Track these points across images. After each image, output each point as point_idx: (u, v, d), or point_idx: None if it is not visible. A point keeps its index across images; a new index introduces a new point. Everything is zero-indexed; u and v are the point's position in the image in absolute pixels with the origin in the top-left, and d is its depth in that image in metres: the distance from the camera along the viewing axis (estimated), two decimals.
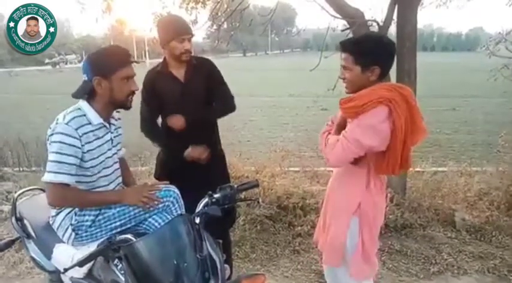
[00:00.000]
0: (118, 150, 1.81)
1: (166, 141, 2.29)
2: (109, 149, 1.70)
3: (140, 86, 1.71)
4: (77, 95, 1.64)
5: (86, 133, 1.58)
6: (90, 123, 1.60)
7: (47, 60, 40.88)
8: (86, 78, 1.60)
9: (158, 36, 2.23)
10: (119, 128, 1.82)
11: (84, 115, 1.60)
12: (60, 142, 1.52)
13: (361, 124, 1.64)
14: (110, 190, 1.73)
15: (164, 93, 2.23)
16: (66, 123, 1.55)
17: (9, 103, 15.05)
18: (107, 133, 1.69)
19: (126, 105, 1.69)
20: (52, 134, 1.55)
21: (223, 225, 2.41)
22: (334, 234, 1.87)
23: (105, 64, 1.59)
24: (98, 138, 1.63)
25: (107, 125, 1.69)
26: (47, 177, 1.53)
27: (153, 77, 2.27)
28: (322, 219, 2.04)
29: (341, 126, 1.81)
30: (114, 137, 1.75)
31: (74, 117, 1.57)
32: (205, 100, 2.28)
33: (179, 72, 2.23)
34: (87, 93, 1.63)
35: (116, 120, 1.78)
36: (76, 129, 1.55)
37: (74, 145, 1.54)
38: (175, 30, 2.14)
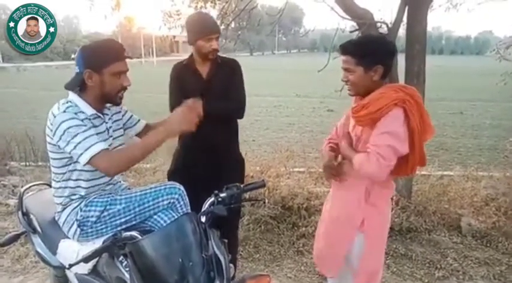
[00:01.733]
0: (118, 137, 1.77)
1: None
2: (106, 139, 1.67)
3: (133, 81, 1.69)
4: (68, 87, 1.63)
5: (83, 119, 1.56)
6: (84, 113, 1.59)
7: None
8: (78, 70, 1.59)
9: (187, 33, 2.26)
10: (115, 113, 1.77)
11: (77, 106, 1.59)
12: (70, 127, 1.49)
13: (387, 131, 1.61)
14: (155, 130, 1.62)
15: (186, 87, 2.27)
16: (64, 111, 1.53)
17: (17, 98, 15.19)
18: (102, 123, 1.67)
19: (115, 101, 1.66)
20: (57, 127, 1.51)
21: (233, 224, 2.43)
22: (335, 247, 1.86)
23: (98, 58, 1.56)
24: (95, 127, 1.61)
25: (101, 115, 1.67)
26: (85, 156, 1.47)
27: (179, 70, 2.33)
28: (320, 233, 2.02)
29: (350, 140, 1.79)
30: (109, 127, 1.72)
31: (68, 107, 1.56)
32: (225, 99, 2.26)
33: (203, 69, 2.27)
34: (79, 85, 1.61)
35: (108, 108, 1.73)
36: (75, 114, 1.54)
37: (82, 124, 1.52)
38: (202, 30, 2.17)
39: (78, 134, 1.48)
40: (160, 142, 1.54)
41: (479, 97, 15.09)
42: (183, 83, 2.29)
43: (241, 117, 2.34)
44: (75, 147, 1.48)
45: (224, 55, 2.38)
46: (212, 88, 2.24)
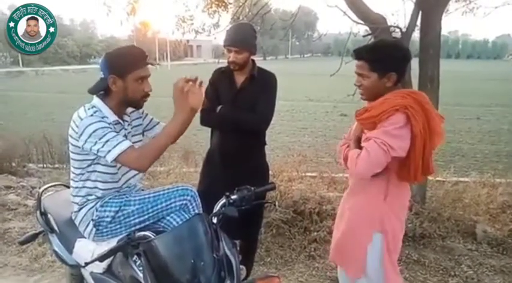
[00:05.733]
0: (136, 142, 1.81)
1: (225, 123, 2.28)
2: None
3: (153, 87, 1.74)
4: (92, 91, 1.68)
5: (108, 124, 1.61)
6: (107, 118, 1.64)
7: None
8: (103, 76, 1.64)
9: None
10: (135, 119, 1.83)
11: (100, 111, 1.64)
12: (98, 128, 1.54)
13: (382, 130, 1.63)
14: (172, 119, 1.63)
15: (220, 92, 2.32)
16: (91, 115, 1.58)
17: (36, 101, 15.59)
18: (122, 129, 1.72)
19: (139, 105, 1.72)
20: (84, 130, 1.55)
21: (256, 227, 2.48)
22: (353, 248, 1.86)
23: (122, 64, 1.62)
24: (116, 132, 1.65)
25: (122, 122, 1.72)
26: (113, 153, 1.51)
27: (217, 75, 2.38)
28: (336, 234, 2.02)
29: (358, 142, 1.80)
30: (128, 132, 1.77)
31: (95, 111, 1.61)
32: (251, 111, 2.26)
33: (239, 78, 2.31)
34: (103, 90, 1.66)
35: (128, 115, 1.79)
36: (101, 118, 1.60)
37: (108, 127, 1.57)
38: (224, 39, 2.24)
39: (105, 134, 1.53)
40: (180, 126, 1.56)
41: (496, 102, 14.80)
42: (218, 88, 2.33)
43: (261, 131, 2.35)
44: (103, 145, 1.52)
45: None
46: (242, 98, 2.26)
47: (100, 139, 1.53)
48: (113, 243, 1.60)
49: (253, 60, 2.33)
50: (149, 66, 1.68)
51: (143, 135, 1.89)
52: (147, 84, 1.68)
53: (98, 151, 1.54)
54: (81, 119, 1.58)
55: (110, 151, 1.51)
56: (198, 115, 2.35)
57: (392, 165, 1.69)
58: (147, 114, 1.91)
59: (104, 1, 4.51)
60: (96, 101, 1.67)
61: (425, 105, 1.64)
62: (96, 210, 1.67)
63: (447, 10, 3.94)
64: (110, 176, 1.67)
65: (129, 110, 1.80)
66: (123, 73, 1.61)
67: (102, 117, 1.60)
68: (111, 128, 1.57)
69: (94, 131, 1.54)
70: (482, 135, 9.47)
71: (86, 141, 1.55)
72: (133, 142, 1.76)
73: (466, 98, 15.54)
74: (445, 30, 3.36)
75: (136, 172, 1.80)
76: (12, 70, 33.60)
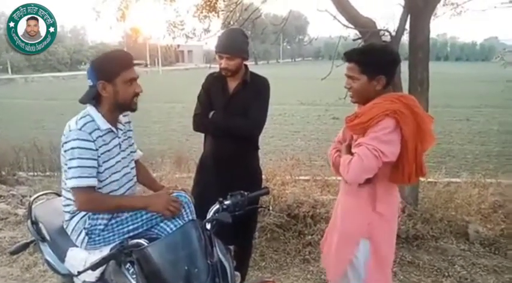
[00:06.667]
0: (131, 152, 1.83)
1: (218, 131, 2.28)
2: (118, 154, 1.72)
3: (145, 92, 1.74)
4: (83, 100, 1.68)
5: (97, 137, 1.62)
6: (98, 129, 1.64)
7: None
8: (91, 84, 1.64)
9: None
10: (128, 131, 1.84)
11: (93, 120, 1.64)
12: (79, 147, 1.56)
13: (372, 136, 1.64)
14: (137, 195, 1.77)
15: (213, 98, 2.31)
16: (80, 129, 1.58)
17: (26, 109, 15.41)
18: (114, 138, 1.71)
19: (131, 107, 1.72)
20: (67, 141, 1.58)
21: (250, 231, 2.47)
22: (340, 254, 1.87)
23: (108, 68, 1.62)
24: (105, 144, 1.66)
25: (114, 130, 1.71)
26: (72, 182, 1.56)
27: (210, 81, 2.37)
28: (327, 238, 2.04)
29: (349, 147, 1.81)
30: (122, 141, 1.77)
31: (86, 123, 1.61)
32: (243, 116, 2.26)
33: (232, 84, 2.30)
34: (94, 98, 1.66)
35: (123, 124, 1.80)
36: (90, 133, 1.59)
37: (91, 149, 1.58)
38: (216, 45, 2.24)
39: (79, 158, 1.55)
40: (134, 209, 1.65)
41: (486, 103, 15.02)
42: (211, 94, 2.33)
43: (253, 136, 2.34)
44: (69, 168, 1.56)
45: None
46: (234, 104, 2.26)
47: (73, 159, 1.56)
48: (105, 251, 1.59)
49: (245, 66, 2.33)
50: (138, 69, 1.69)
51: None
52: (136, 85, 1.68)
53: (65, 171, 1.59)
54: (70, 130, 1.60)
55: (71, 178, 1.56)
56: (191, 120, 2.38)
57: (382, 170, 1.70)
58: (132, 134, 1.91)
59: (93, 7, 4.50)
60: (89, 108, 1.66)
61: (415, 109, 1.66)
62: (89, 218, 1.65)
63: (435, 13, 4.00)
64: (102, 188, 1.66)
65: (124, 119, 1.80)
66: (111, 77, 1.61)
67: (91, 132, 1.60)
68: (91, 150, 1.58)
69: (72, 148, 1.56)
70: (472, 136, 9.60)
71: (64, 152, 1.59)
72: (123, 149, 1.77)
73: (455, 100, 15.74)
74: (433, 33, 3.42)
75: (119, 176, 1.77)
76: (1, 77, 33.26)
